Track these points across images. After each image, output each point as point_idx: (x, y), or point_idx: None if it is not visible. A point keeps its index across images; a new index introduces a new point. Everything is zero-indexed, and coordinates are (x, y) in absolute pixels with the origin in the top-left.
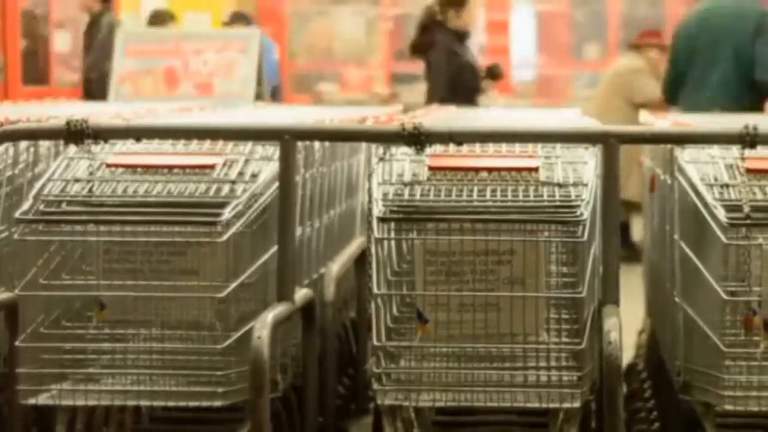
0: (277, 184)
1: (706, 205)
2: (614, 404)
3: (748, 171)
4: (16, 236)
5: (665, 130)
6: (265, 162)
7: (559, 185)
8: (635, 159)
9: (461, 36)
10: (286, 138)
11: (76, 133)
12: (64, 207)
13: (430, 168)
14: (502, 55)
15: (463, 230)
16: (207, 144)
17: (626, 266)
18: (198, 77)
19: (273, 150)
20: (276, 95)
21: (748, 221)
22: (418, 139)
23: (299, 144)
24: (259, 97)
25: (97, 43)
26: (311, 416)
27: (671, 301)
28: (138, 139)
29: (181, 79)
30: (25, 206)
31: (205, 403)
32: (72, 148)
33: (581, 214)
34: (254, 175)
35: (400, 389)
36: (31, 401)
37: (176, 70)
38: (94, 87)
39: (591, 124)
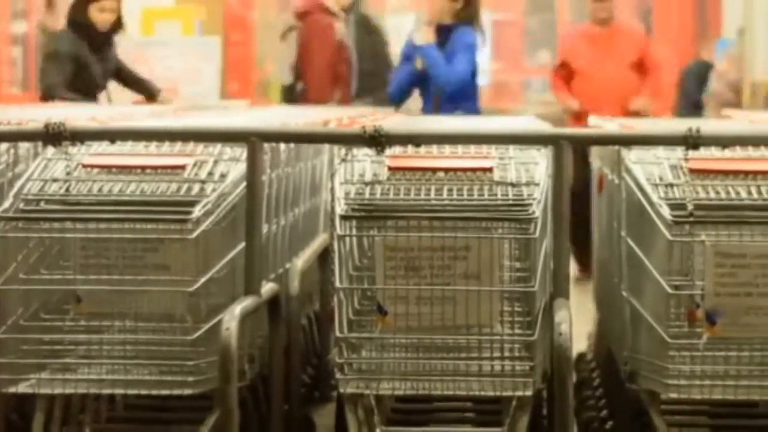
0: (244, 183)
1: (651, 203)
2: (564, 392)
3: (692, 171)
4: None
5: (613, 133)
6: (234, 163)
7: (512, 185)
8: None
9: None
10: (253, 140)
11: (54, 135)
12: (43, 205)
13: (390, 168)
14: None
15: (421, 227)
16: (178, 145)
17: None
18: (164, 82)
19: (241, 151)
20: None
21: (692, 219)
22: (378, 141)
23: (265, 145)
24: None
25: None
26: (277, 404)
27: (618, 294)
28: (113, 141)
29: None
30: (6, 205)
31: (176, 392)
32: (50, 150)
33: (533, 212)
34: (223, 175)
35: (361, 378)
36: (11, 390)
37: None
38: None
39: (542, 127)
